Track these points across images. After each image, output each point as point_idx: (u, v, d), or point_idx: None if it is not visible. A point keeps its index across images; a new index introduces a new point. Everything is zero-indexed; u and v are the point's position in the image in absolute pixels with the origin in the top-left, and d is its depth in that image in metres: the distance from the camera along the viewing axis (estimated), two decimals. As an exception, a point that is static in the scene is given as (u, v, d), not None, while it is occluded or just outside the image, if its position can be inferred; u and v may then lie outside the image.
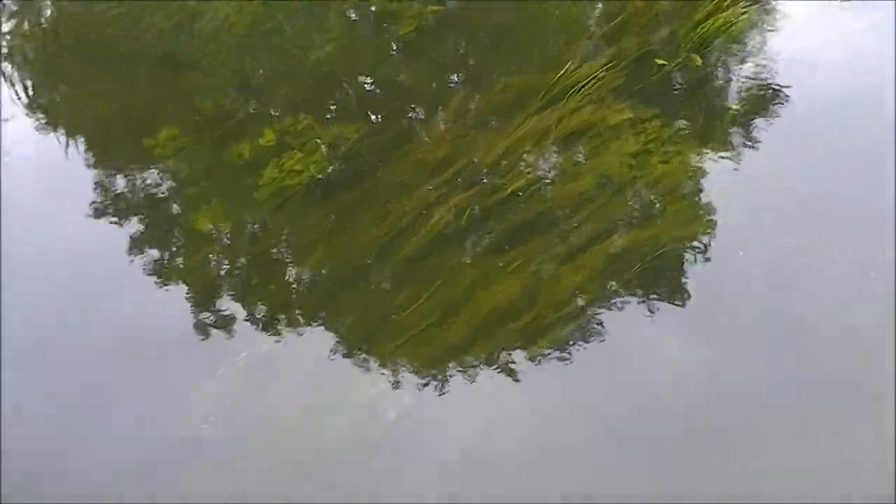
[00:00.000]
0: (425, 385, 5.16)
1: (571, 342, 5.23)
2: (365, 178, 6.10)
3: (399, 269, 5.61)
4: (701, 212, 5.75)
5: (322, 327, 5.48)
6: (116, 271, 5.91)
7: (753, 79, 6.50)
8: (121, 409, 5.19)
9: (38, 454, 5.06)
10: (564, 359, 5.17)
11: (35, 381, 5.36)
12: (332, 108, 6.79)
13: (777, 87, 6.41)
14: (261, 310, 5.62)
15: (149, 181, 6.43)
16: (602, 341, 5.22)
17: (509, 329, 5.27)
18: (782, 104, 6.31)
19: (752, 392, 4.90)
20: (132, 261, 5.95)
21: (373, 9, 7.46)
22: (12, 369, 5.39)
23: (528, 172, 5.98)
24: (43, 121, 7.09)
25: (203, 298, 5.71)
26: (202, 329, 5.56)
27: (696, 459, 4.72)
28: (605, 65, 6.49)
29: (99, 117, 7.01)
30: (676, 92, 6.49)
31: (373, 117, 6.60)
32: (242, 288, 5.77)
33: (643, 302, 5.35)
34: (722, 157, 6.02)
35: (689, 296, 5.36)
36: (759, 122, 6.24)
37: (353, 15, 7.48)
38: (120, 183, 6.46)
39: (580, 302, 5.36)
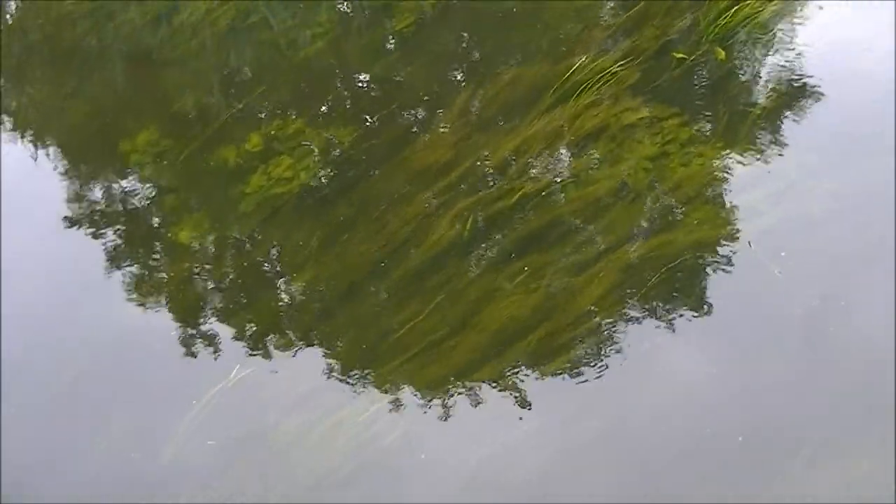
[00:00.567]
0: (426, 408, 4.97)
1: (586, 362, 5.03)
2: (360, 185, 5.93)
3: (398, 284, 5.42)
4: (724, 218, 5.56)
5: (315, 347, 5.29)
6: (91, 287, 5.73)
7: (782, 73, 6.33)
8: (99, 432, 5.02)
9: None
10: (578, 380, 4.97)
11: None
12: (324, 109, 6.62)
13: (808, 83, 6.24)
14: (249, 328, 5.42)
15: (125, 189, 6.24)
16: (619, 360, 5.01)
17: (517, 348, 5.07)
18: (814, 101, 6.14)
19: (784, 415, 4.74)
20: (108, 276, 5.77)
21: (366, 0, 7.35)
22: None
23: (538, 177, 5.80)
24: (9, 126, 6.95)
25: (186, 317, 5.52)
26: (185, 349, 5.37)
27: (725, 488, 4.56)
28: (621, 59, 6.33)
29: (71, 121, 6.88)
30: (698, 88, 6.32)
31: (368, 119, 6.42)
32: (228, 305, 5.58)
33: (663, 317, 5.15)
34: (747, 159, 5.83)
35: (713, 309, 5.16)
36: (787, 120, 6.06)
37: (346, 7, 7.38)
38: (94, 191, 6.30)
39: (594, 317, 5.16)
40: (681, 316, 5.13)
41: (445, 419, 4.89)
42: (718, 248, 5.39)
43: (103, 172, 6.37)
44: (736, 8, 6.42)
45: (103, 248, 5.90)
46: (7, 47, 7.45)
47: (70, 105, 6.94)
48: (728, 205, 5.60)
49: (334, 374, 5.12)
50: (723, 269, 5.32)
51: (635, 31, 6.58)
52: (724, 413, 4.76)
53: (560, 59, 6.39)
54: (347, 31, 7.11)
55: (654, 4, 6.76)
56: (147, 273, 5.75)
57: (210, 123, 6.44)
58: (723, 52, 6.31)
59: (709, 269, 5.33)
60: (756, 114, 6.06)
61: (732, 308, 5.14)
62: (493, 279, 5.32)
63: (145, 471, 4.85)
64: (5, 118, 6.99)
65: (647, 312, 5.15)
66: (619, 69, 6.22)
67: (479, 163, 5.90)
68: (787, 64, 6.37)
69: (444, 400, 4.95)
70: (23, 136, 6.82)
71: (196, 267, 5.73)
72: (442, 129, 6.17)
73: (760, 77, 6.34)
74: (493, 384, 4.96)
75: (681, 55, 6.30)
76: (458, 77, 6.68)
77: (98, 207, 6.17)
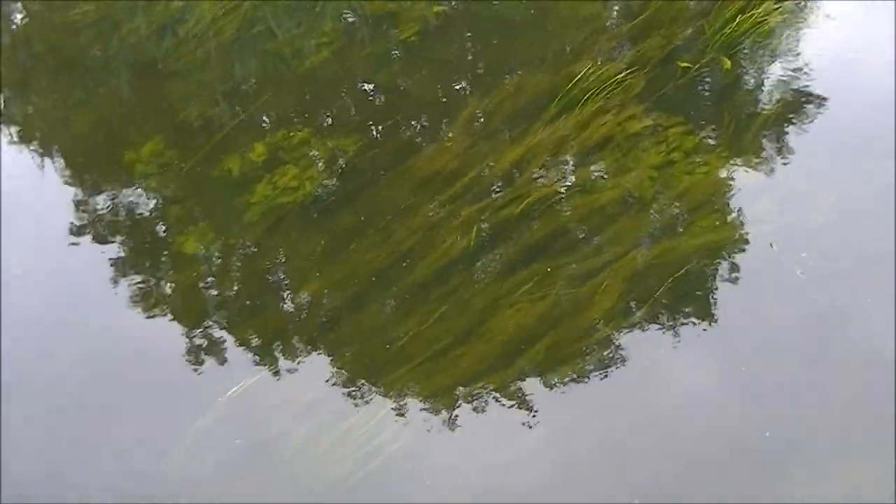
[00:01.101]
0: (432, 417, 4.94)
1: (592, 374, 5.01)
2: (365, 195, 5.89)
3: (403, 294, 5.40)
4: (730, 228, 5.53)
5: (322, 356, 5.26)
6: (96, 297, 5.68)
7: (787, 82, 6.32)
8: (104, 442, 4.99)
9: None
10: (586, 390, 4.95)
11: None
12: (329, 118, 6.59)
13: (814, 92, 6.22)
14: (255, 337, 5.39)
15: (131, 200, 6.20)
16: (626, 372, 4.99)
17: (523, 358, 5.05)
18: (820, 110, 6.13)
19: (792, 426, 4.72)
20: (113, 286, 5.72)
21: (371, 10, 7.28)
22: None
23: (543, 186, 5.78)
24: (15, 135, 6.90)
25: (191, 326, 5.48)
26: (190, 359, 5.33)
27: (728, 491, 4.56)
28: (626, 68, 6.30)
29: (76, 131, 6.79)
30: (703, 97, 6.31)
31: (373, 128, 6.38)
32: (234, 315, 5.54)
33: (668, 325, 5.13)
34: (753, 169, 5.82)
35: (717, 317, 5.15)
36: (794, 129, 6.04)
37: (351, 17, 7.31)
38: (99, 202, 6.23)
39: (600, 327, 5.13)
40: (686, 324, 5.11)
41: (452, 428, 4.87)
42: (724, 257, 5.38)
43: (108, 183, 6.33)
44: (742, 17, 6.39)
45: (108, 258, 5.87)
46: (12, 56, 7.43)
47: (75, 115, 6.88)
48: (733, 213, 5.58)
49: (340, 383, 5.10)
50: (728, 277, 5.30)
51: (641, 39, 6.57)
52: (727, 417, 4.75)
53: (565, 68, 6.37)
54: (352, 40, 7.07)
55: (659, 13, 6.74)
56: (153, 283, 5.72)
57: (215, 133, 6.41)
58: (728, 61, 6.28)
59: (714, 277, 5.31)
60: (762, 122, 6.04)
61: (736, 315, 5.13)
62: (499, 288, 5.30)
63: (150, 481, 4.83)
64: (11, 128, 6.95)
65: (652, 321, 5.13)
66: (624, 78, 6.20)
67: (484, 172, 5.88)
68: (793, 72, 6.35)
69: (451, 409, 4.94)
70: (28, 146, 6.78)
71: (202, 277, 5.70)
72: (447, 138, 6.15)
73: (766, 85, 6.31)
74: (501, 393, 4.94)
75: (686, 64, 6.28)
76: (463, 86, 6.66)
77: (104, 218, 6.13)
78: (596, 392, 4.92)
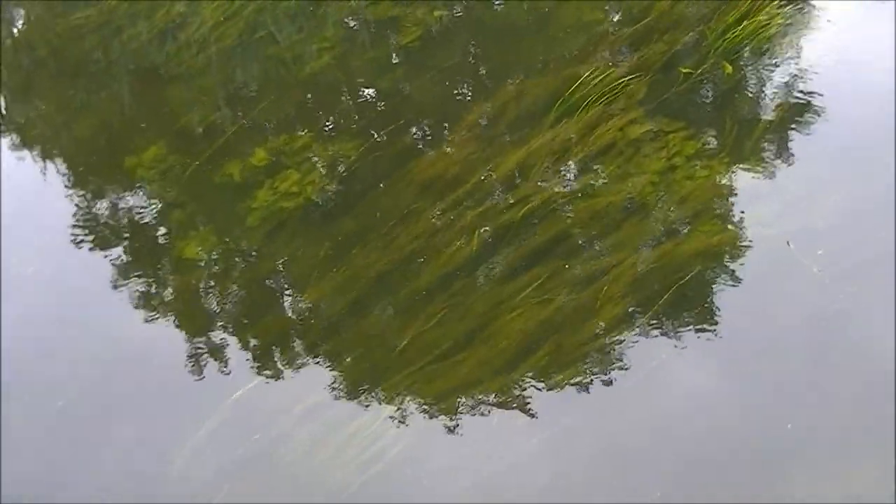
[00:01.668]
0: (433, 422, 4.93)
1: (594, 379, 4.98)
2: (367, 200, 5.89)
3: (405, 298, 5.37)
4: (732, 234, 5.51)
5: (323, 361, 5.24)
6: (96, 302, 5.69)
7: (789, 87, 6.30)
8: (104, 448, 4.99)
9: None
10: (588, 396, 4.93)
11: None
12: (330, 123, 6.58)
13: (815, 97, 6.20)
14: (257, 342, 5.38)
15: (132, 204, 6.21)
16: (629, 378, 4.96)
17: (525, 364, 5.02)
18: (822, 116, 6.09)
19: (794, 430, 4.70)
20: (114, 291, 5.72)
21: (373, 15, 7.28)
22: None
23: (545, 190, 5.76)
24: (17, 140, 6.91)
25: (192, 331, 5.48)
26: (191, 364, 5.33)
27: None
28: (628, 73, 6.29)
29: (78, 135, 6.81)
30: (705, 102, 6.29)
31: (375, 133, 6.36)
32: (235, 319, 5.53)
33: (671, 333, 5.10)
34: (754, 174, 5.80)
35: (720, 324, 5.11)
36: (795, 135, 6.02)
37: (352, 22, 7.33)
38: (101, 207, 6.25)
39: (604, 332, 5.11)
40: (687, 327, 5.10)
41: (454, 433, 4.86)
42: (725, 261, 5.37)
43: (110, 187, 6.34)
44: (745, 23, 6.38)
45: (110, 261, 5.88)
46: (14, 61, 7.45)
47: (77, 120, 6.89)
48: (735, 217, 5.57)
49: (341, 388, 5.09)
50: (730, 281, 5.29)
51: (642, 44, 6.56)
52: (728, 420, 4.74)
53: (567, 73, 6.35)
54: (353, 45, 7.08)
55: (661, 19, 6.73)
56: (154, 288, 5.72)
57: (216, 138, 6.40)
58: (730, 67, 6.27)
59: (715, 281, 5.30)
60: (764, 128, 6.02)
61: (738, 319, 5.11)
62: (501, 293, 5.29)
63: (151, 487, 4.83)
64: (12, 132, 6.97)
65: (655, 326, 5.13)
66: (626, 83, 6.19)
67: (485, 177, 5.87)
68: (795, 78, 6.33)
69: (453, 414, 4.92)
70: (29, 151, 6.78)
71: (203, 281, 5.70)
72: (448, 144, 6.16)
73: (767, 90, 6.30)
74: (503, 398, 4.93)
75: (687, 69, 6.27)
76: (465, 91, 6.66)
77: (105, 222, 6.14)
78: (599, 395, 4.92)
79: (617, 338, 5.08)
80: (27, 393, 5.21)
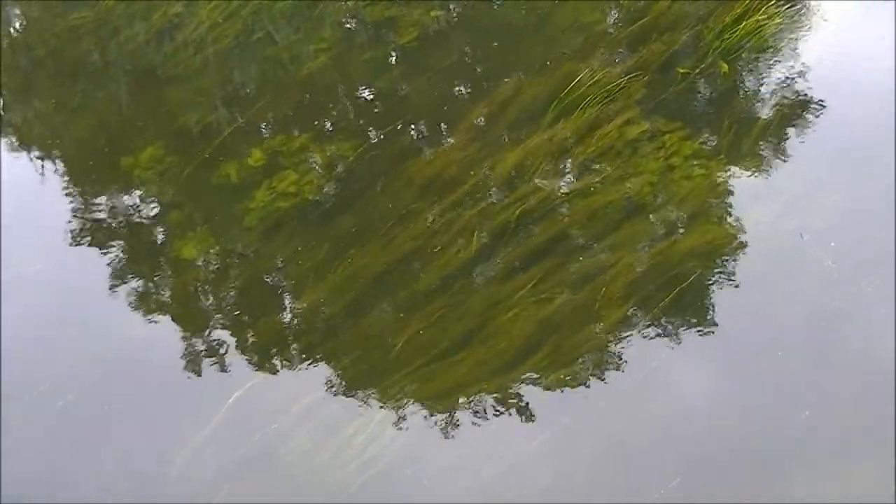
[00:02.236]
0: (431, 425, 4.94)
1: (594, 379, 5.00)
2: (365, 200, 5.89)
3: (404, 298, 5.38)
4: (729, 233, 5.52)
5: (319, 363, 5.24)
6: (93, 303, 5.69)
7: (786, 87, 6.31)
8: (103, 451, 5.00)
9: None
10: (587, 398, 4.94)
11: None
12: (328, 124, 6.55)
13: (813, 96, 6.21)
14: (255, 343, 5.38)
15: (129, 205, 6.19)
16: (628, 378, 4.98)
17: (525, 364, 5.04)
18: (818, 115, 6.11)
19: (792, 430, 4.73)
20: (112, 292, 5.71)
21: (370, 16, 7.24)
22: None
23: (542, 190, 5.76)
24: (15, 140, 6.88)
25: (190, 332, 5.48)
26: (189, 365, 5.33)
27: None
28: (626, 73, 6.30)
29: (75, 136, 6.77)
30: (702, 102, 6.30)
31: (372, 133, 6.36)
32: (233, 321, 5.52)
33: (670, 333, 5.12)
34: (752, 174, 5.81)
35: (720, 324, 5.14)
36: (792, 134, 6.03)
37: (350, 22, 7.29)
38: (99, 207, 6.22)
39: (605, 332, 5.13)
40: (687, 328, 5.12)
41: (453, 433, 4.87)
42: (724, 262, 5.38)
43: (108, 188, 6.32)
44: (743, 23, 6.38)
45: (110, 263, 5.87)
46: (12, 61, 7.41)
47: (74, 120, 6.87)
48: (732, 218, 5.58)
49: (340, 388, 5.10)
50: (726, 282, 5.30)
51: (640, 45, 6.56)
52: (728, 420, 4.76)
53: (564, 73, 6.35)
54: (351, 46, 7.06)
55: (659, 19, 6.73)
56: (153, 288, 5.72)
57: (214, 139, 6.39)
58: (726, 66, 6.28)
59: (715, 282, 5.30)
60: (761, 127, 6.03)
61: (735, 319, 5.13)
62: (500, 293, 5.30)
63: (151, 487, 4.83)
64: (11, 132, 6.94)
65: (654, 326, 5.14)
66: (624, 83, 6.20)
67: (483, 177, 5.87)
68: (793, 78, 6.34)
69: (452, 414, 4.93)
70: (29, 151, 6.76)
71: (201, 282, 5.70)
72: (446, 144, 6.15)
73: (765, 90, 6.30)
74: (503, 398, 4.94)
75: (685, 70, 6.28)
76: (462, 91, 6.65)
77: (104, 223, 6.12)
78: (598, 395, 4.93)
79: (616, 338, 5.09)
80: (27, 393, 5.20)
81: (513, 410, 4.89)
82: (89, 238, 6.03)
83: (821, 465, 4.59)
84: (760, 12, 6.44)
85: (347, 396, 5.06)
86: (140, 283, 5.74)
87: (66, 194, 6.37)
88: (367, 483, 4.70)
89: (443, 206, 5.73)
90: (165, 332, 5.49)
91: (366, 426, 4.90)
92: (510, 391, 4.95)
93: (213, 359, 5.33)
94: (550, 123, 6.09)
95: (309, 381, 5.13)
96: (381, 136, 6.29)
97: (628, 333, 5.11)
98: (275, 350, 5.32)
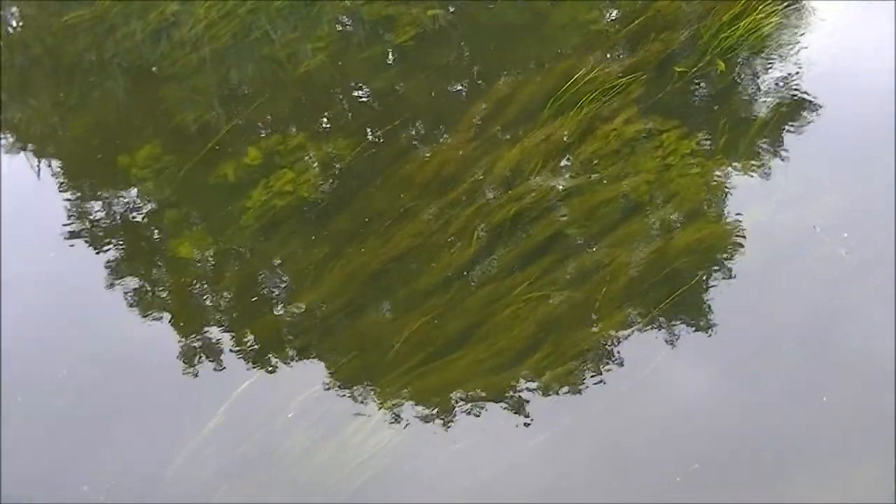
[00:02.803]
0: (430, 424, 4.93)
1: (593, 379, 4.98)
2: (362, 199, 5.88)
3: (402, 297, 5.38)
4: (727, 231, 5.51)
5: (317, 361, 5.24)
6: (91, 302, 5.70)
7: (783, 86, 6.28)
8: (101, 451, 5.00)
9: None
10: (587, 398, 4.93)
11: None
12: (325, 122, 6.55)
13: (811, 96, 6.18)
14: (253, 342, 5.39)
15: (126, 203, 6.19)
16: (628, 378, 4.97)
17: (524, 363, 5.03)
18: (816, 114, 6.09)
19: (791, 435, 4.71)
20: (109, 291, 5.72)
21: (367, 14, 7.23)
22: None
23: (540, 189, 5.75)
24: (11, 139, 6.86)
25: (187, 332, 5.47)
26: (187, 365, 5.33)
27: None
28: (623, 72, 6.30)
29: (72, 134, 6.78)
30: (700, 101, 6.28)
31: (369, 132, 6.35)
32: (232, 321, 5.52)
33: (669, 333, 5.12)
34: (750, 173, 5.79)
35: (719, 324, 5.13)
36: (790, 134, 6.01)
37: (347, 21, 7.28)
38: (96, 206, 6.22)
39: (601, 332, 5.12)
40: (685, 327, 5.12)
41: (453, 433, 4.86)
42: (724, 261, 5.38)
43: (105, 187, 6.31)
44: (741, 22, 6.37)
45: (110, 263, 5.86)
46: (9, 60, 7.39)
47: (72, 118, 6.86)
48: (729, 217, 5.57)
49: (338, 387, 5.08)
50: (724, 281, 5.29)
51: (637, 44, 6.55)
52: (728, 420, 4.75)
53: (562, 72, 6.34)
54: (348, 45, 7.04)
55: (656, 18, 6.72)
56: (153, 288, 5.72)
57: (211, 137, 6.38)
58: (723, 64, 6.26)
59: (714, 282, 5.30)
60: (758, 127, 6.02)
61: (732, 319, 5.13)
62: (497, 291, 5.29)
63: (151, 487, 4.83)
64: (9, 131, 6.93)
65: (653, 326, 5.14)
66: (621, 82, 6.19)
67: (480, 175, 5.86)
68: (791, 77, 6.32)
69: (452, 414, 4.92)
70: (24, 150, 6.75)
71: (199, 281, 5.69)
72: (443, 142, 6.15)
73: (762, 89, 6.28)
74: (503, 398, 4.93)
75: (682, 69, 6.26)
76: (459, 90, 6.65)
77: (103, 222, 6.11)
78: (598, 395, 4.92)
79: (615, 336, 5.09)
80: (27, 393, 5.21)
81: (512, 410, 4.88)
82: (88, 238, 6.02)
83: (821, 466, 4.58)
84: (758, 11, 6.43)
85: (346, 395, 5.04)
86: (137, 282, 5.73)
87: (65, 193, 6.35)
88: (366, 483, 4.69)
89: (440, 205, 5.72)
90: (164, 331, 5.47)
91: (365, 425, 4.88)
92: (509, 390, 4.94)
93: (212, 358, 5.32)
94: (548, 122, 6.08)
95: (308, 380, 5.12)
96: (379, 135, 6.28)
97: (628, 332, 5.11)
98: (273, 349, 5.31)
